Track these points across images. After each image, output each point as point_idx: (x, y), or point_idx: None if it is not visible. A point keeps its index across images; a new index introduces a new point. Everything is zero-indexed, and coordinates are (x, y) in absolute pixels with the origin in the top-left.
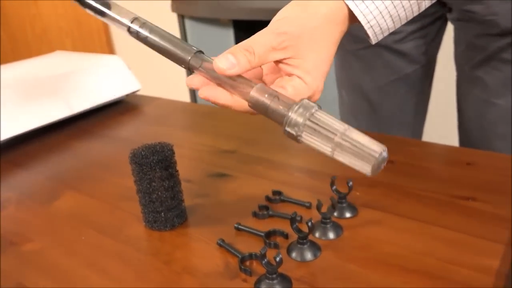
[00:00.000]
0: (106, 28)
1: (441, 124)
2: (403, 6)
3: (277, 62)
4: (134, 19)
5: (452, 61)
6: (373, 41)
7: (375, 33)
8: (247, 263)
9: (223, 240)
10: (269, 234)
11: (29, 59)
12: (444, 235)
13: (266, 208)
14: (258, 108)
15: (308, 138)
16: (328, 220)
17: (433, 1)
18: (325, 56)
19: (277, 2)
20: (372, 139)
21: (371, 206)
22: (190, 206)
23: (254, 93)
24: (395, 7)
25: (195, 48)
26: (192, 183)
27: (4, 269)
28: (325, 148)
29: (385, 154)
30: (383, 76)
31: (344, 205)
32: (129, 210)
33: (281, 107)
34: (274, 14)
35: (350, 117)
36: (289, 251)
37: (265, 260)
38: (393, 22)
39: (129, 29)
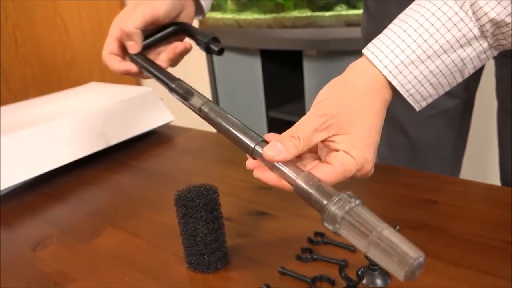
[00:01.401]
0: None
1: (478, 160)
2: (443, 74)
3: (323, 141)
4: (205, 103)
5: (488, 96)
6: (416, 108)
7: (416, 100)
8: None
9: (268, 286)
10: (315, 280)
11: (65, 90)
12: (500, 286)
13: (310, 251)
14: (301, 195)
15: (345, 232)
16: (376, 267)
17: (477, 68)
18: (369, 127)
19: (304, 32)
20: (410, 243)
21: None
22: (231, 246)
23: (299, 181)
24: (434, 75)
25: (260, 137)
26: (232, 222)
27: None
28: (360, 244)
29: (421, 260)
30: (422, 111)
31: None
32: (171, 250)
33: (322, 199)
34: (302, 44)
35: (387, 151)
36: None
37: None
38: (435, 89)
39: (199, 110)
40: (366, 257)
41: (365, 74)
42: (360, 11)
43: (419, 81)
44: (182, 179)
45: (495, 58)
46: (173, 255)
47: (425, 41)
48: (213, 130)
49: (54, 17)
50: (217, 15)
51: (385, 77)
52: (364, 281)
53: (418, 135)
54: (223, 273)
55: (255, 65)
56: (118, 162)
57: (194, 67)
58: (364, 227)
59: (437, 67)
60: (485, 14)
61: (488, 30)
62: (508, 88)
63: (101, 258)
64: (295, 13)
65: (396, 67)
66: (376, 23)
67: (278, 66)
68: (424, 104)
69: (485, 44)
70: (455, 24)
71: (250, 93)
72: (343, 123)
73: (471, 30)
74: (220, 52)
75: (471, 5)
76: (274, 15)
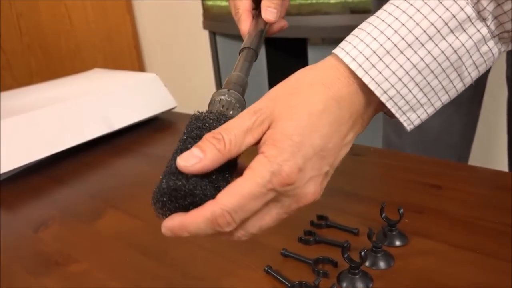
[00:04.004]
0: (137, 44)
1: (488, 147)
2: (432, 72)
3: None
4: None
5: (499, 81)
6: (405, 123)
7: (400, 108)
8: None
9: (270, 267)
10: (318, 262)
11: (69, 76)
12: (504, 268)
13: (312, 234)
14: None
15: None
16: (379, 249)
17: (481, 68)
18: (301, 124)
19: (308, 19)
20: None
21: (422, 234)
22: None
23: None
24: (420, 72)
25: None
26: None
27: None
28: None
29: None
30: None
31: (394, 233)
32: None
33: None
34: (307, 31)
35: (395, 136)
36: (339, 281)
37: None
38: (425, 95)
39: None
40: (370, 239)
41: (322, 66)
42: None
43: (400, 79)
44: None
45: None
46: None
47: (403, 24)
48: None
49: (58, 6)
50: (222, 3)
51: (343, 64)
52: (367, 263)
53: (426, 120)
54: (225, 255)
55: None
56: (121, 147)
57: (198, 56)
58: None
59: (422, 59)
60: None
61: (485, 8)
62: None
63: (103, 239)
64: (300, 0)
65: (367, 59)
66: None
67: (282, 54)
68: (413, 117)
69: (484, 30)
70: (440, 2)
71: (254, 81)
72: (276, 114)
73: (462, 9)
74: None
75: None
76: None
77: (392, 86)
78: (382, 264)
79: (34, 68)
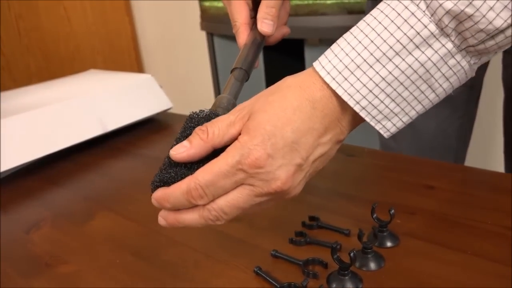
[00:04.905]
0: (136, 46)
1: (484, 149)
2: (401, 84)
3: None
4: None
5: (494, 83)
6: (382, 132)
7: (374, 117)
8: None
9: (260, 268)
10: (308, 263)
11: (64, 77)
12: (498, 271)
13: (303, 234)
14: None
15: None
16: (369, 250)
17: (453, 81)
18: (274, 117)
19: (305, 20)
20: None
21: (413, 235)
22: (224, 229)
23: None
24: (389, 84)
25: None
26: None
27: None
28: None
29: None
30: None
31: (385, 233)
32: (164, 233)
33: None
34: (304, 32)
35: (390, 140)
36: (329, 282)
37: None
38: (397, 105)
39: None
40: (360, 240)
41: (302, 73)
42: None
43: (370, 91)
44: None
45: None
46: (166, 238)
47: (372, 41)
48: None
49: (58, 8)
50: (219, 4)
51: (318, 76)
52: (357, 264)
53: (421, 123)
54: (215, 256)
55: None
56: (116, 148)
57: (196, 57)
58: None
59: (390, 72)
60: (440, 5)
61: (447, 25)
62: None
63: (94, 240)
64: (297, 1)
65: (340, 73)
66: None
67: (279, 55)
68: (389, 125)
69: (449, 45)
70: (405, 20)
71: (252, 83)
72: (255, 108)
73: (426, 27)
74: None
75: None
76: None
77: (364, 97)
78: (372, 265)
79: (33, 69)
